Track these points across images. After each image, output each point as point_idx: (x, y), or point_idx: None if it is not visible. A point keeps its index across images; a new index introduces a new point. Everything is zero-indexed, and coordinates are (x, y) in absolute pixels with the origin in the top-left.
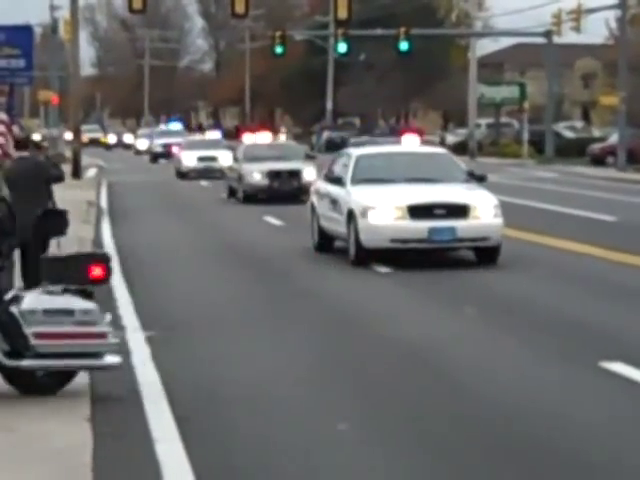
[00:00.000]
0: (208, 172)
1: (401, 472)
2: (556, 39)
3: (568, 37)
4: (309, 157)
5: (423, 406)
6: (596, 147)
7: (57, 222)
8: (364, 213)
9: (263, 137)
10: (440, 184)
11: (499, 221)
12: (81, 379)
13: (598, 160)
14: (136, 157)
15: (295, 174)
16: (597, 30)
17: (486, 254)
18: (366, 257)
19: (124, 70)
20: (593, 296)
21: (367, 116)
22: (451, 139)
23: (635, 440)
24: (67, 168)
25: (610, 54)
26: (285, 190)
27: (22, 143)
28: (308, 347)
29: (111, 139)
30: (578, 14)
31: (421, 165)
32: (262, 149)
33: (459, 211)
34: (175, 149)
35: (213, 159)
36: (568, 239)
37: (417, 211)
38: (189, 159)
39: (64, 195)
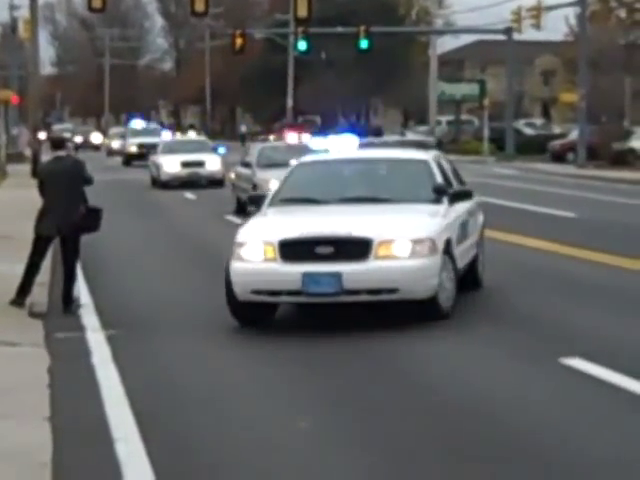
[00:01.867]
0: (193, 180)
1: (360, 472)
2: (516, 36)
3: (528, 34)
4: None
5: (380, 401)
6: (556, 144)
7: (95, 219)
8: (234, 251)
9: (290, 137)
10: (384, 205)
11: (421, 263)
12: (40, 379)
13: (558, 157)
14: (108, 159)
15: None
16: (557, 27)
17: (412, 310)
18: (240, 311)
19: (84, 69)
20: (552, 292)
21: (327, 114)
22: (412, 136)
23: (595, 435)
24: (27, 167)
25: (570, 51)
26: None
27: (58, 142)
28: (275, 346)
29: (77, 139)
30: (538, 11)
31: (376, 178)
32: (279, 152)
33: (353, 249)
34: (153, 152)
35: (199, 164)
36: (528, 236)
37: (290, 249)
38: (170, 164)
39: (24, 195)
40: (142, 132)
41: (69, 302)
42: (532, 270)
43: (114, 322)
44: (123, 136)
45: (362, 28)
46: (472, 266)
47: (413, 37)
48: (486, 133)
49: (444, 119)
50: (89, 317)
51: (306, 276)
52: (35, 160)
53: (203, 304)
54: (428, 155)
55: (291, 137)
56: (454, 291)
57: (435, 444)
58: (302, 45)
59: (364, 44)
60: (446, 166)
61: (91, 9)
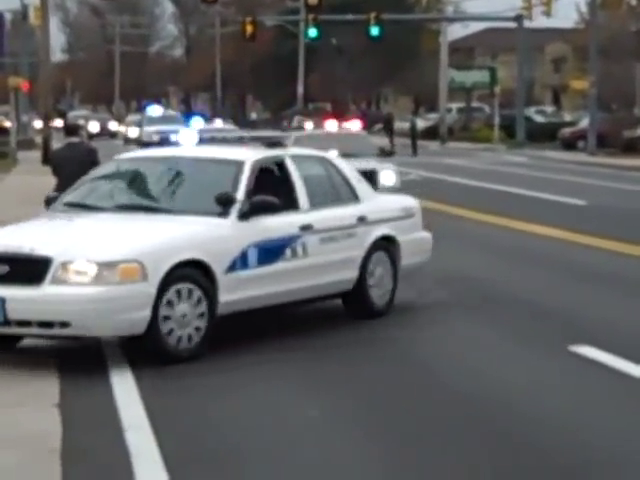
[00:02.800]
0: None
1: (371, 458)
2: (527, 23)
3: (539, 21)
4: (385, 152)
5: (390, 388)
6: (567, 131)
7: None
8: None
9: (329, 125)
10: (155, 217)
11: (105, 292)
12: (50, 365)
13: (569, 144)
14: (125, 147)
15: (368, 177)
16: (567, 14)
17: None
18: None
19: (95, 56)
20: (562, 280)
21: (338, 101)
22: (422, 124)
23: (605, 423)
24: (37, 154)
25: (581, 38)
26: None
27: (72, 129)
28: (281, 332)
29: (93, 127)
30: None
31: (170, 182)
32: (317, 142)
33: (29, 269)
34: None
35: None
36: (539, 223)
37: None
38: None
39: (33, 181)
40: (160, 119)
41: None
42: (542, 258)
43: None
44: (140, 124)
45: (373, 15)
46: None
47: (423, 25)
48: (497, 121)
49: (455, 106)
50: None
51: None
52: (46, 147)
53: None
54: (254, 155)
55: (330, 124)
56: (203, 332)
57: (445, 430)
58: (313, 32)
59: (375, 31)
60: (308, 171)
61: None
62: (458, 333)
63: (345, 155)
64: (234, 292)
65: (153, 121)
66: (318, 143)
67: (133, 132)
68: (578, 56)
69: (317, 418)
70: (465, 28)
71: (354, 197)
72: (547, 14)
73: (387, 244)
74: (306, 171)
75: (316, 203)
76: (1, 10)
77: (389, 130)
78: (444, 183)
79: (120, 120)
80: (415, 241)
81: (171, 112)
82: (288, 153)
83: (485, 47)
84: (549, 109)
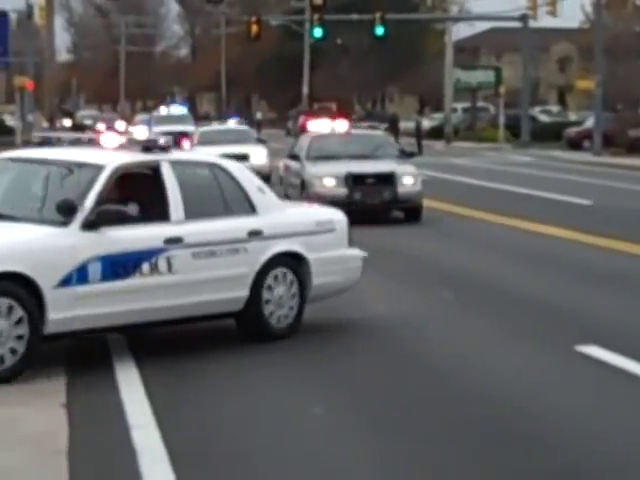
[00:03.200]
0: None
1: (374, 455)
2: (532, 23)
3: (544, 21)
4: (406, 153)
5: (396, 389)
6: (572, 131)
7: None
8: None
9: (338, 125)
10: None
11: None
12: (57, 364)
13: (574, 144)
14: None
15: (387, 179)
16: (573, 14)
17: None
18: None
19: (100, 56)
20: (568, 280)
21: (343, 101)
22: (427, 124)
23: (610, 424)
24: None
25: (586, 38)
26: (372, 203)
27: (79, 128)
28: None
29: (99, 127)
30: None
31: (26, 188)
32: (335, 143)
33: None
34: (186, 143)
35: (243, 158)
36: (544, 223)
37: None
38: None
39: None
40: (168, 119)
41: None
42: (547, 257)
43: None
44: (148, 123)
45: (378, 15)
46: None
47: (428, 24)
48: (502, 120)
49: (460, 106)
50: None
51: None
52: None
53: None
54: (119, 160)
55: (340, 125)
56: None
57: (450, 429)
58: (318, 32)
59: (380, 31)
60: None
61: None
62: (464, 332)
63: (364, 157)
64: (69, 309)
65: (161, 121)
66: (334, 145)
67: (140, 132)
68: (583, 56)
69: (322, 417)
70: (470, 28)
71: (250, 209)
72: (552, 14)
73: (291, 261)
74: (187, 179)
75: (194, 214)
76: (6, 10)
77: (394, 130)
78: (449, 183)
79: (127, 120)
80: (333, 259)
81: (181, 111)
82: (166, 158)
83: (490, 47)
84: (554, 109)
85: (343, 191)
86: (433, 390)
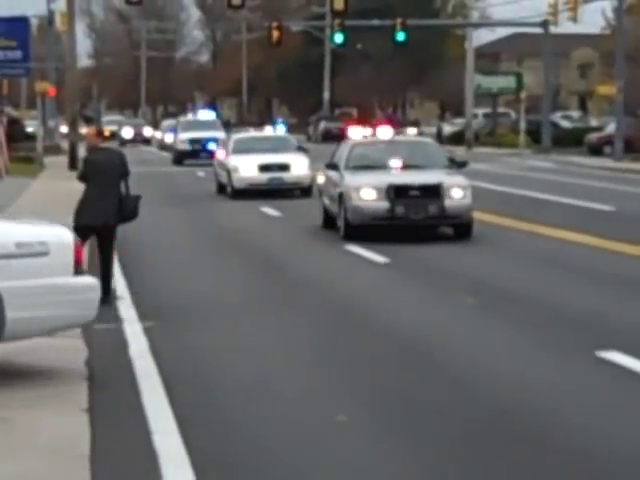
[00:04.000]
0: (275, 189)
1: (396, 459)
2: (553, 29)
3: (565, 27)
4: (456, 163)
5: (417, 393)
6: (593, 137)
7: (134, 206)
8: None
9: (382, 132)
10: None
11: None
12: (78, 369)
13: (595, 150)
14: (159, 154)
15: (433, 192)
16: (594, 20)
17: None
18: None
19: (121, 61)
20: (589, 285)
21: (364, 106)
22: (448, 129)
23: (632, 429)
24: (63, 159)
25: (607, 44)
26: (416, 218)
27: (104, 135)
28: (307, 337)
29: (126, 133)
30: (575, 4)
31: None
32: (377, 151)
33: None
34: (220, 151)
35: (284, 168)
36: (565, 229)
37: None
38: (245, 167)
39: (60, 186)
40: (196, 125)
41: (107, 294)
42: (569, 263)
43: (151, 314)
44: (174, 130)
45: (399, 21)
46: None
47: (449, 30)
48: (522, 126)
49: (481, 112)
50: (126, 309)
51: None
52: (73, 152)
53: (238, 295)
54: None
55: (383, 131)
56: None
57: (468, 431)
58: (339, 38)
59: (401, 37)
60: None
61: (128, 2)
62: (485, 336)
63: (409, 166)
64: None
65: (188, 127)
66: (376, 153)
67: (169, 138)
68: (604, 61)
69: (344, 422)
70: (491, 33)
71: None
72: (573, 20)
73: None
74: None
75: None
76: (27, 15)
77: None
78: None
79: (155, 125)
80: (44, 289)
81: (210, 116)
82: None
83: (511, 52)
84: (575, 114)
85: (384, 205)
86: (453, 396)
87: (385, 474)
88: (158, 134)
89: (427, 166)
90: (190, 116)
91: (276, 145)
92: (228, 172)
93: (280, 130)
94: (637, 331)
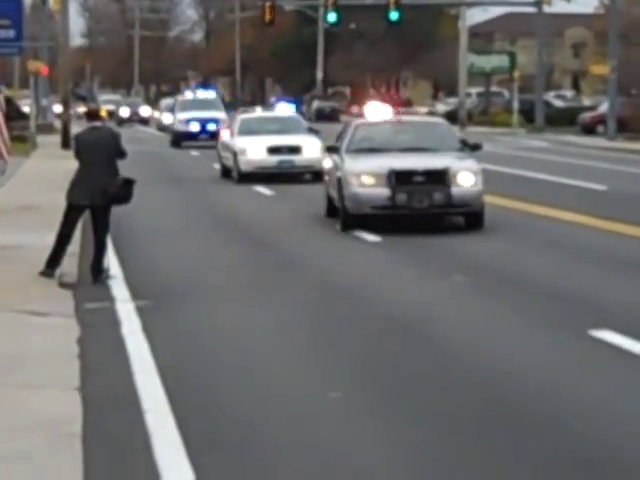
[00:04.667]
0: (284, 173)
1: (388, 436)
2: (546, 8)
3: (558, 6)
4: (469, 145)
5: (413, 373)
6: (586, 116)
7: (128, 190)
8: None
9: (380, 111)
10: None
11: None
12: (70, 349)
13: (588, 129)
14: (158, 136)
15: (439, 177)
16: None
17: None
18: None
19: (114, 41)
20: (582, 265)
21: (357, 85)
22: (441, 108)
23: (625, 407)
24: (56, 138)
25: (600, 23)
26: (420, 207)
27: (94, 113)
28: (299, 316)
29: (123, 112)
30: None
31: None
32: (383, 133)
33: None
34: (224, 132)
35: (295, 150)
36: (558, 208)
37: None
38: (253, 150)
39: (53, 165)
40: (195, 104)
41: (99, 273)
42: (562, 242)
43: (144, 293)
44: (172, 109)
45: (392, 0)
46: None
47: (443, 9)
48: (516, 105)
49: (474, 91)
50: (119, 288)
51: None
52: (65, 132)
53: (233, 276)
54: None
55: (380, 110)
56: None
57: (462, 412)
58: (332, 17)
59: (394, 16)
60: None
61: None
62: (477, 315)
63: (417, 149)
64: None
65: (187, 106)
66: (381, 135)
67: (167, 118)
68: (598, 41)
69: (337, 400)
70: (485, 13)
71: None
72: None
73: None
74: None
75: None
76: None
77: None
78: None
79: (149, 104)
80: None
81: (210, 95)
82: None
83: (504, 32)
84: (569, 94)
85: (385, 192)
86: (447, 375)
87: (382, 451)
88: (157, 114)
89: (436, 149)
90: (189, 95)
91: (284, 126)
92: (234, 154)
93: (289, 110)
94: (629, 310)
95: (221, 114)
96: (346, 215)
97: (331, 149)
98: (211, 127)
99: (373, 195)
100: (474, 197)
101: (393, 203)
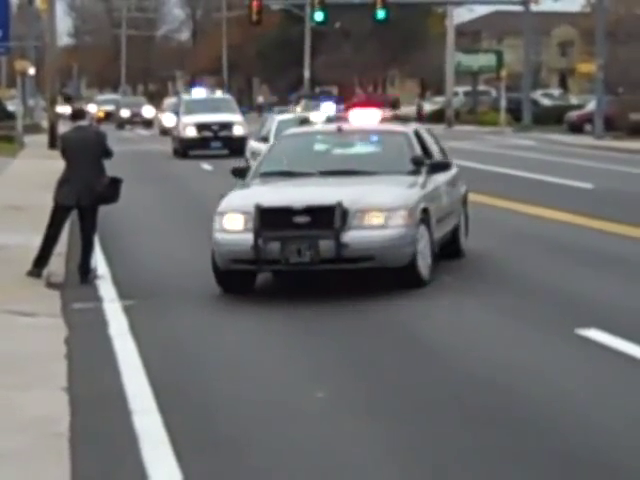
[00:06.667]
0: None
1: (379, 435)
2: (533, 7)
3: (545, 5)
4: (432, 163)
5: (400, 371)
6: (573, 115)
7: (115, 190)
8: None
9: (365, 117)
10: None
11: None
12: (57, 349)
13: (575, 128)
14: (160, 139)
15: (327, 216)
16: None
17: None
18: None
19: (101, 40)
20: (569, 263)
21: (344, 84)
22: (429, 107)
23: (611, 405)
24: (43, 138)
25: (587, 22)
26: (298, 262)
27: (79, 113)
28: (290, 314)
29: (124, 113)
30: None
31: None
32: (307, 146)
33: None
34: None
35: None
36: (545, 207)
37: None
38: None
39: (41, 165)
40: (203, 106)
41: (86, 272)
42: (548, 241)
43: (131, 293)
44: (177, 111)
45: None
46: None
47: (430, 8)
48: (503, 104)
49: (461, 90)
50: (106, 288)
51: None
52: (52, 131)
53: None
54: None
55: (366, 116)
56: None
57: (449, 411)
58: (319, 16)
59: (381, 14)
60: None
61: None
62: (463, 316)
63: (348, 172)
64: None
65: (195, 107)
66: (308, 151)
67: (169, 121)
68: (585, 39)
69: (322, 400)
70: (471, 12)
71: None
72: None
73: None
74: None
75: None
76: None
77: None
78: None
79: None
80: None
81: (219, 95)
82: None
83: (491, 31)
84: (556, 92)
85: (248, 239)
86: (431, 373)
87: (371, 453)
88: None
89: (375, 171)
90: (199, 93)
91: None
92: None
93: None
94: (615, 308)
95: (236, 117)
96: (215, 271)
97: (238, 172)
98: (225, 133)
99: (236, 244)
100: (382, 245)
101: (257, 256)
